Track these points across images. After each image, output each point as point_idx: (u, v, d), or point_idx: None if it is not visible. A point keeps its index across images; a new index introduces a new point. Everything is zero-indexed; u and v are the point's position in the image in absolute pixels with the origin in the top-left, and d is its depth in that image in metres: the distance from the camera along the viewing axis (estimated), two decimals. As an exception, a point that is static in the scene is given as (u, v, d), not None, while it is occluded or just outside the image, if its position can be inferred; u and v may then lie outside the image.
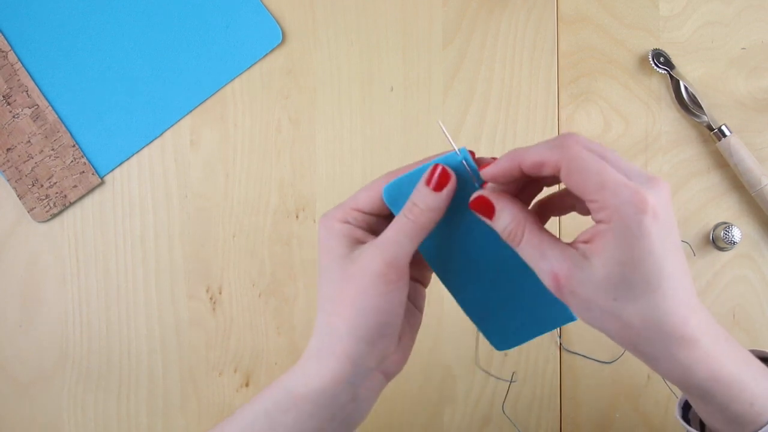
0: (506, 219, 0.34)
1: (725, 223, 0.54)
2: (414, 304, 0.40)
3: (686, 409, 0.40)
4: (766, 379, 0.34)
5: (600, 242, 0.31)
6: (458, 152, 0.35)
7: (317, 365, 0.35)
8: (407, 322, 0.38)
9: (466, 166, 0.35)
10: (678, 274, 0.31)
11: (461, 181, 0.36)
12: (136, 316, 0.56)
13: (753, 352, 0.36)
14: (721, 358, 0.32)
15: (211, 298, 0.56)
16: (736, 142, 0.53)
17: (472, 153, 0.36)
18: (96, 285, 0.56)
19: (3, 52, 0.56)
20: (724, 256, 0.55)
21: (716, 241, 0.54)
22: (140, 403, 0.56)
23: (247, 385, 0.56)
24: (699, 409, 0.36)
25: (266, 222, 0.56)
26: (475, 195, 0.35)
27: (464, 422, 0.55)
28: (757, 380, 0.34)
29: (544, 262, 0.32)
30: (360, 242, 0.37)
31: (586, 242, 0.31)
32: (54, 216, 0.56)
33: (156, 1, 0.57)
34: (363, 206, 0.37)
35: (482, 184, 0.36)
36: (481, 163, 0.36)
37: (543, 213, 0.37)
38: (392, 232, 0.35)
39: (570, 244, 0.32)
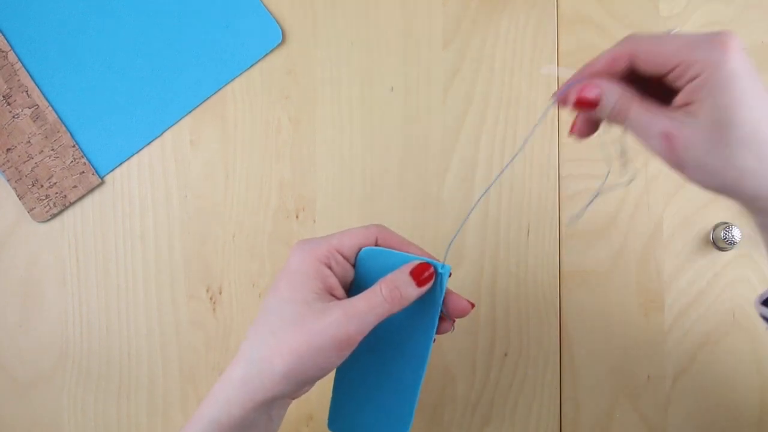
0: (613, 96, 0.34)
1: (725, 223, 0.54)
2: None
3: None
4: None
5: (698, 96, 0.31)
6: (442, 267, 0.39)
7: (242, 394, 0.36)
8: None
9: (438, 281, 0.38)
10: None
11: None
12: (136, 316, 0.56)
13: None
14: None
15: (211, 298, 0.56)
16: (736, 142, 0.53)
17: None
18: (96, 285, 0.56)
19: (3, 52, 0.56)
20: (724, 256, 0.55)
21: (716, 241, 0.54)
22: (140, 403, 0.56)
23: (247, 385, 0.56)
24: None
25: (266, 222, 0.56)
26: (577, 88, 0.35)
27: (464, 422, 0.55)
28: None
29: (654, 126, 0.33)
30: (330, 293, 0.37)
31: (686, 104, 0.32)
32: (54, 216, 0.56)
33: (156, 1, 0.57)
34: (346, 252, 0.38)
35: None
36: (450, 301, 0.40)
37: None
38: (365, 305, 0.36)
39: (675, 108, 0.33)
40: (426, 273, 0.37)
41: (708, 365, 0.54)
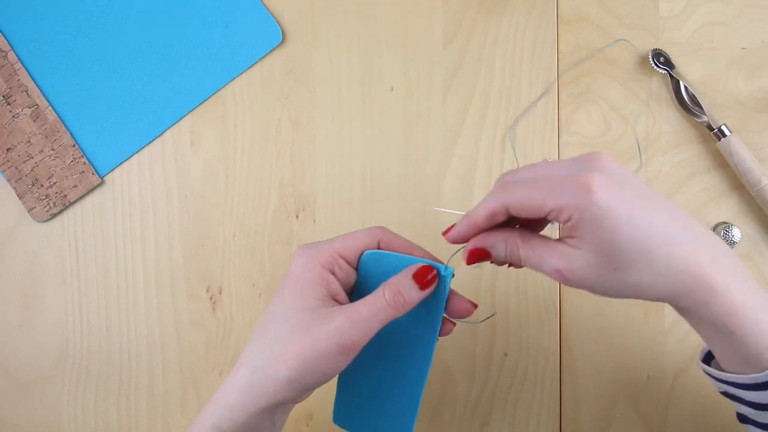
0: (500, 249, 0.36)
1: (725, 223, 0.54)
2: None
3: (709, 359, 0.40)
4: None
5: (577, 233, 0.33)
6: (444, 270, 0.38)
7: (245, 400, 0.36)
8: None
9: (443, 285, 0.38)
10: (660, 230, 0.33)
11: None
12: (136, 316, 0.56)
13: None
14: (738, 295, 0.34)
15: (211, 298, 0.56)
16: (736, 142, 0.53)
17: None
18: (96, 285, 0.56)
19: (3, 52, 0.56)
20: (724, 256, 0.55)
21: (716, 241, 0.54)
22: (140, 403, 0.56)
23: (247, 385, 0.56)
24: (715, 349, 0.36)
25: (266, 222, 0.56)
26: (466, 249, 0.37)
27: (464, 422, 0.55)
28: None
29: (546, 265, 0.35)
30: (333, 298, 0.38)
31: (570, 237, 0.34)
32: (54, 216, 0.56)
33: (156, 1, 0.57)
34: (348, 256, 0.38)
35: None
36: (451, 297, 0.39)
37: (533, 227, 0.39)
38: (368, 311, 0.36)
39: (561, 241, 0.35)
40: (429, 276, 0.37)
41: (708, 365, 0.54)
